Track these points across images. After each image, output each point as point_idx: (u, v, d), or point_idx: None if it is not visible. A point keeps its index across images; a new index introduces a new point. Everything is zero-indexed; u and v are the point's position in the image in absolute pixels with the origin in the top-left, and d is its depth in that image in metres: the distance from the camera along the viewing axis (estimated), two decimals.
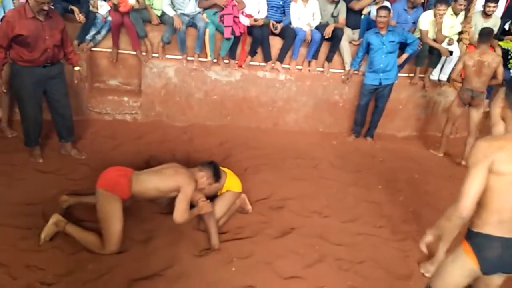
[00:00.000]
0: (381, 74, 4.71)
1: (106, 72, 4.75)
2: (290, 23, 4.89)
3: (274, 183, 3.81)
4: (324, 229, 3.23)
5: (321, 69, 5.08)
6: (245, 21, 4.65)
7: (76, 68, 3.70)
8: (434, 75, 5.28)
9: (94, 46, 4.53)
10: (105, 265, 2.56)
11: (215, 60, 4.75)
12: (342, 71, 5.11)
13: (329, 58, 5.03)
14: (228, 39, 4.50)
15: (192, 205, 2.89)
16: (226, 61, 4.80)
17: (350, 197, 3.77)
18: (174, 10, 4.48)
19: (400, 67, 4.97)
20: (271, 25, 4.74)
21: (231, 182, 3.16)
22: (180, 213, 2.77)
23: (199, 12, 4.60)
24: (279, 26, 4.76)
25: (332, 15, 4.99)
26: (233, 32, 4.48)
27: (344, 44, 4.96)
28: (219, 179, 3.02)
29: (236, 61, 4.81)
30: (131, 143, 4.22)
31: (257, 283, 2.58)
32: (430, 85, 5.27)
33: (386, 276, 2.82)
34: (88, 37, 4.40)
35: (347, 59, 5.00)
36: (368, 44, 4.69)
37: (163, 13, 4.53)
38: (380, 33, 4.59)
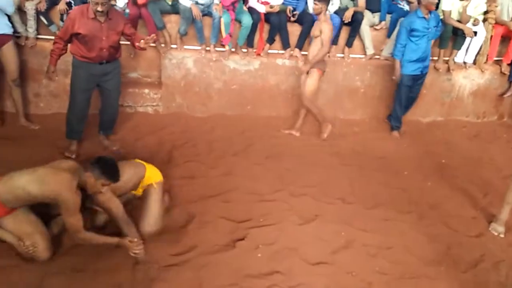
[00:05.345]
0: (423, 62, 4.46)
1: (126, 65, 4.75)
2: (307, 8, 4.80)
3: (296, 170, 3.78)
4: (348, 215, 3.19)
5: (341, 55, 4.98)
6: (261, 8, 4.59)
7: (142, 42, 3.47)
8: (459, 57, 5.10)
9: None
10: None
11: (233, 50, 4.72)
12: (362, 56, 4.99)
13: (349, 43, 4.92)
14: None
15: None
16: (244, 50, 4.76)
17: (375, 184, 3.70)
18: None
19: None
20: (288, 11, 4.67)
21: (152, 173, 2.76)
22: (74, 230, 2.31)
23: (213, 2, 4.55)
24: (296, 12, 4.68)
25: None
26: (253, 18, 4.44)
27: (365, 29, 4.83)
28: (114, 179, 2.39)
29: (255, 50, 4.76)
30: (154, 135, 4.24)
31: (284, 269, 2.57)
32: (455, 68, 5.11)
33: (415, 261, 2.77)
34: None
35: (368, 44, 4.88)
36: (411, 30, 4.33)
37: (174, 3, 4.50)
38: (425, 17, 4.30)
